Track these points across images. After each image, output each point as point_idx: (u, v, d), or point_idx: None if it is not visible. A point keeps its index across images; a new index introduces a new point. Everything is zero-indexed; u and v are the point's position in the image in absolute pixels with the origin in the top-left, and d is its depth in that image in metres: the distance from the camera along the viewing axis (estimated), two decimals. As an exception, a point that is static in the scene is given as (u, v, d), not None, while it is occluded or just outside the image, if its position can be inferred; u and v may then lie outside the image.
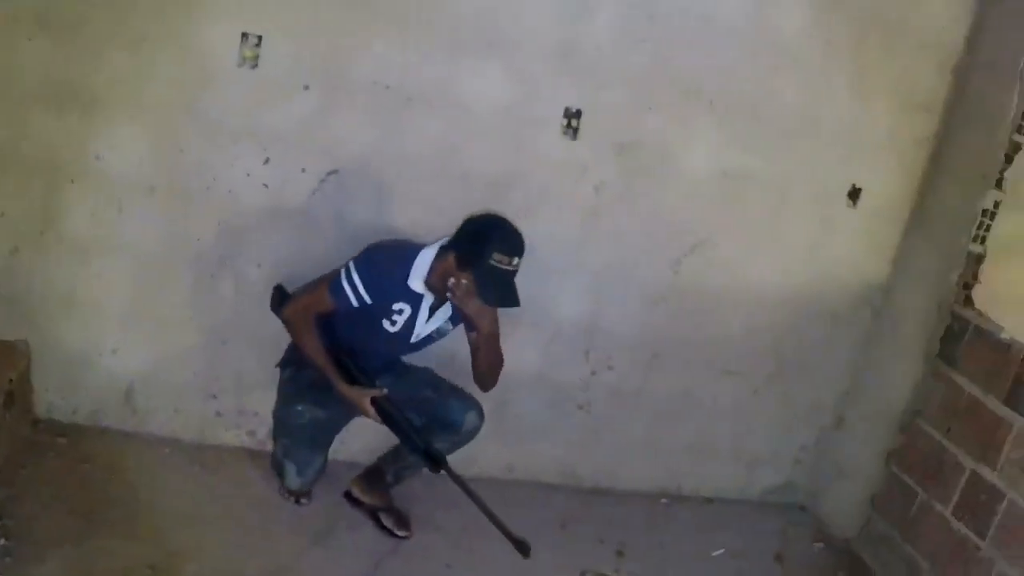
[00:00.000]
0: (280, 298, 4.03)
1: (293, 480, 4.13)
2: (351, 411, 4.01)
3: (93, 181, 4.02)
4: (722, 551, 4.63)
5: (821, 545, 4.93)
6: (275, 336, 4.08)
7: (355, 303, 3.78)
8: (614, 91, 4.28)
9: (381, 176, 4.18)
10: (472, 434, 4.10)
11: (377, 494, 4.24)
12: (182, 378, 4.39)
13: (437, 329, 4.02)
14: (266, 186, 4.12)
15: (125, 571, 3.58)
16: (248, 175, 4.10)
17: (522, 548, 3.86)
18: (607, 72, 4.25)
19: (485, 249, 3.63)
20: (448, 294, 3.75)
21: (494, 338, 3.90)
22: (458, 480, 3.92)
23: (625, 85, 4.28)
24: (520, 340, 4.52)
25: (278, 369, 4.18)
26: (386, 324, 3.89)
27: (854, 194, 4.66)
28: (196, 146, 4.04)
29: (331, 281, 3.81)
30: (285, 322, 3.95)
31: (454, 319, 4.01)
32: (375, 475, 4.20)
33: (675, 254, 4.59)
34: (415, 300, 3.86)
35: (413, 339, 3.98)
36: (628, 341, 4.70)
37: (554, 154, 4.30)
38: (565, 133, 4.27)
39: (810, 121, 4.51)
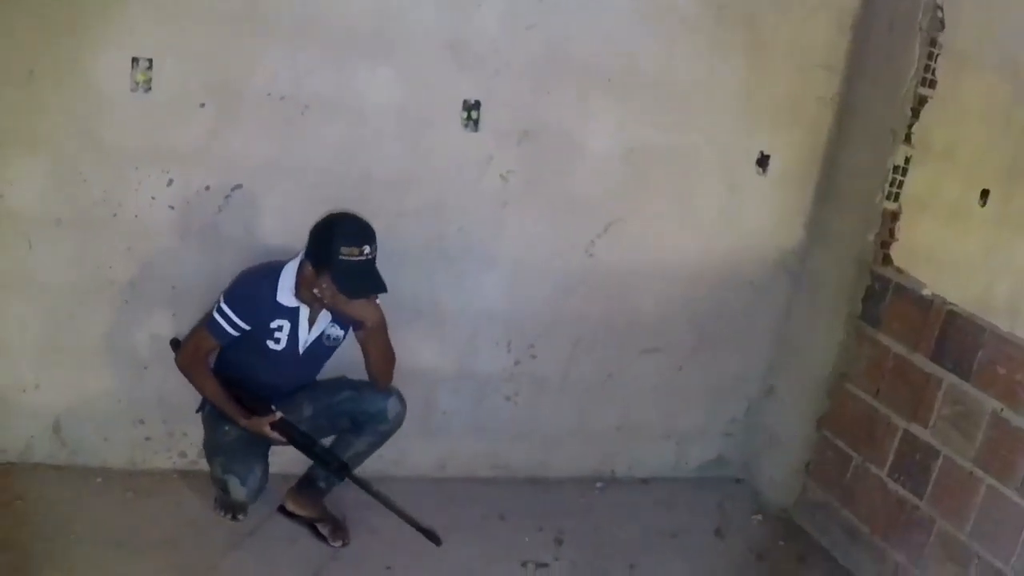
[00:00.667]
0: (177, 348, 4.08)
1: (239, 492, 4.09)
2: (260, 439, 4.04)
3: (-1, 216, 4.00)
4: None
5: (759, 517, 4.96)
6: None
7: (234, 332, 3.86)
8: (510, 79, 4.28)
9: (285, 186, 4.18)
10: (399, 420, 4.13)
11: (311, 505, 4.25)
12: (108, 406, 4.37)
13: (326, 335, 4.05)
14: (172, 208, 4.11)
15: (62, 604, 3.56)
16: (153, 198, 4.09)
17: (433, 538, 3.93)
18: (500, 61, 4.25)
19: (331, 248, 3.68)
20: (322, 300, 3.82)
21: (379, 330, 3.97)
22: (363, 484, 3.99)
23: (521, 72, 4.28)
24: (440, 336, 4.58)
25: (199, 414, 4.24)
26: (271, 344, 3.95)
27: (763, 161, 4.67)
28: (98, 174, 4.02)
29: (207, 320, 3.89)
30: (181, 371, 4.00)
31: (340, 323, 4.04)
32: (307, 485, 4.20)
33: (588, 236, 4.59)
34: (291, 314, 3.92)
35: (302, 352, 4.02)
36: (549, 328, 4.71)
37: (457, 148, 4.30)
38: (466, 125, 4.26)
39: (710, 91, 4.51)
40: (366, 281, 3.76)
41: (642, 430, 5.05)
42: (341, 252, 3.66)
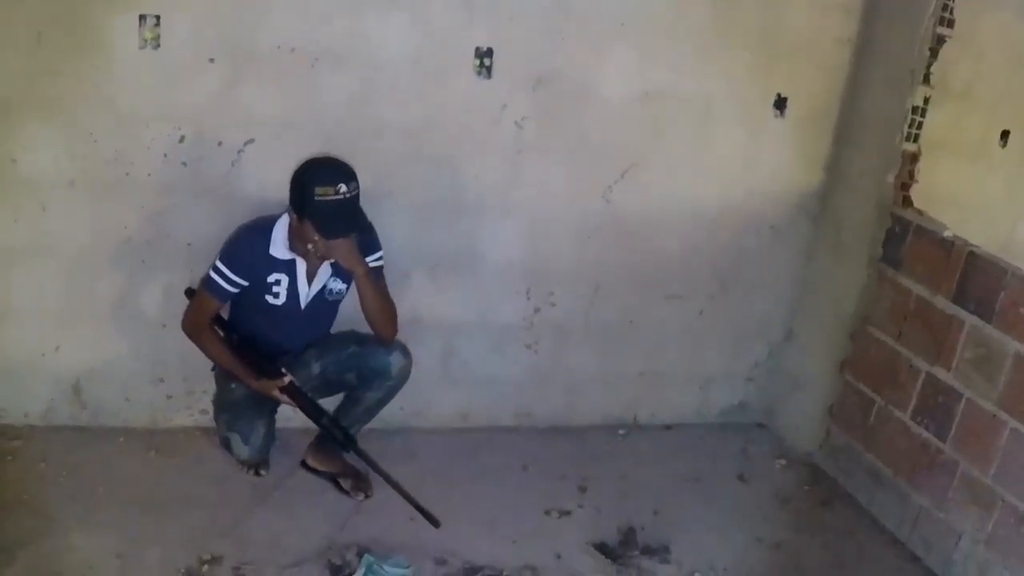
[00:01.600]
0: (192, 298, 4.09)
1: (241, 450, 4.17)
2: (268, 399, 4.06)
3: (12, 184, 4.00)
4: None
5: (783, 461, 4.94)
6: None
7: (232, 289, 3.88)
8: (523, 25, 4.23)
9: (298, 139, 4.14)
10: (404, 374, 4.11)
11: (332, 460, 4.26)
12: (128, 366, 4.39)
13: (327, 290, 4.05)
14: (185, 164, 4.10)
15: (91, 564, 3.60)
16: (165, 156, 4.08)
17: (432, 520, 3.89)
18: (513, 7, 4.21)
19: (306, 191, 3.67)
20: (315, 252, 3.82)
21: (366, 278, 3.93)
22: (367, 459, 3.98)
23: (534, 17, 4.24)
24: (459, 286, 4.56)
25: (213, 372, 4.25)
26: (270, 299, 3.95)
27: (780, 103, 4.62)
28: (110, 134, 4.01)
29: (205, 280, 3.91)
30: (187, 335, 4.02)
31: (341, 276, 4.03)
32: (327, 440, 4.19)
33: (605, 182, 4.55)
34: (287, 267, 3.91)
35: (304, 306, 4.02)
36: (568, 275, 4.69)
37: (470, 96, 4.26)
38: (479, 73, 4.23)
39: (726, 34, 4.45)
40: (342, 220, 3.72)
41: (664, 376, 5.04)
42: (316, 193, 3.64)
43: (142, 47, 3.90)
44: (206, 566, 3.65)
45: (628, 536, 4.12)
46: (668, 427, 5.11)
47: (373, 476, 4.12)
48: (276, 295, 3.95)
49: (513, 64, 4.25)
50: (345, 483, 4.22)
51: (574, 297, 4.73)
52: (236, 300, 3.95)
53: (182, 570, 3.61)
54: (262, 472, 4.25)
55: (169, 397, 4.48)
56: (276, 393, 3.95)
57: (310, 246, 3.77)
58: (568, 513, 4.27)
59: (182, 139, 4.06)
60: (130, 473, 4.18)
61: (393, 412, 4.29)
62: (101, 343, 4.34)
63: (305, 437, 4.30)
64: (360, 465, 4.16)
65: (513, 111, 4.33)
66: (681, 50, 4.41)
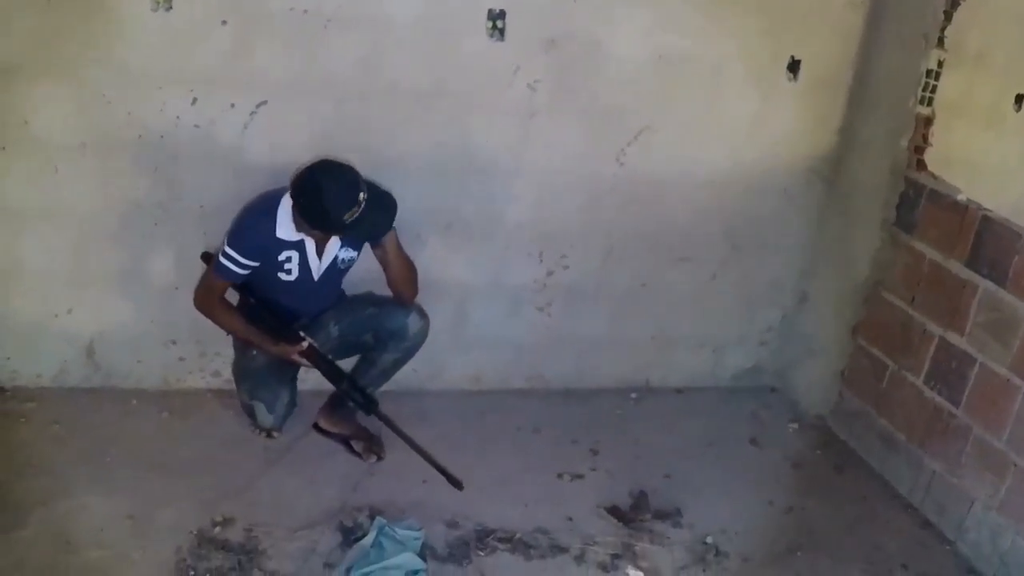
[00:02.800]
0: (208, 263, 4.06)
1: (265, 418, 4.20)
2: (288, 364, 4.09)
3: (24, 146, 4.00)
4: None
5: (795, 425, 4.95)
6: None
7: (242, 272, 3.88)
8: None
9: (310, 101, 4.14)
10: (421, 336, 4.13)
11: (344, 422, 4.28)
12: (140, 328, 4.40)
13: (339, 260, 4.05)
14: (197, 127, 4.09)
15: (103, 525, 3.62)
16: (178, 118, 4.07)
17: (455, 483, 3.92)
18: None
19: (332, 219, 3.64)
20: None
21: (395, 244, 3.97)
22: (389, 422, 4.02)
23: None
24: (472, 249, 4.57)
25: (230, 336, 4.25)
26: (283, 276, 3.96)
27: (793, 66, 4.58)
28: (122, 96, 4.00)
29: (214, 263, 3.89)
30: (200, 311, 4.03)
31: (352, 244, 4.04)
32: (340, 403, 4.20)
33: (618, 144, 4.53)
34: (296, 246, 3.91)
35: (317, 278, 4.03)
36: (580, 238, 4.68)
37: (483, 58, 4.23)
38: (491, 35, 4.19)
39: (738, -4, 4.44)
40: (376, 226, 3.79)
41: (677, 340, 5.04)
42: (345, 219, 3.62)
43: (154, 8, 3.88)
44: (218, 527, 3.68)
45: (640, 500, 4.12)
46: (680, 391, 5.11)
47: (386, 439, 4.15)
48: (288, 272, 3.95)
49: (526, 26, 4.22)
50: (357, 445, 4.23)
51: (587, 260, 4.72)
52: (249, 276, 3.95)
53: (194, 531, 3.63)
54: (275, 434, 4.27)
55: (181, 359, 4.50)
56: (296, 357, 3.97)
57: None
58: (580, 476, 4.28)
59: (194, 101, 4.05)
60: (142, 435, 4.21)
61: (406, 375, 4.29)
62: (113, 305, 4.34)
63: (317, 399, 4.32)
64: (373, 427, 4.18)
65: (526, 74, 4.30)
66: (694, 12, 4.37)
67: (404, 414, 4.23)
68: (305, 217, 3.70)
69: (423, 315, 4.11)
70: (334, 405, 4.26)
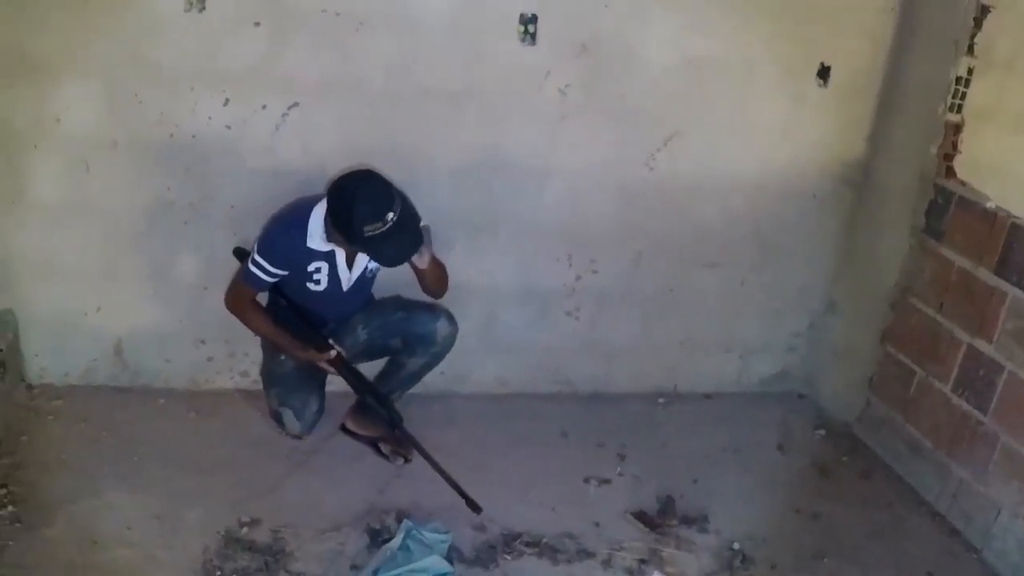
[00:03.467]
0: (241, 259, 4.07)
1: (293, 425, 4.21)
2: (317, 370, 4.08)
3: (56, 144, 4.02)
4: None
5: (822, 432, 4.93)
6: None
7: (270, 280, 3.88)
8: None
9: (342, 103, 4.15)
10: (449, 341, 4.13)
11: (371, 424, 4.26)
12: (169, 327, 4.42)
13: (368, 269, 4.05)
14: (229, 127, 4.11)
15: (130, 524, 3.63)
16: (210, 119, 4.09)
17: (474, 507, 3.85)
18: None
19: (354, 228, 3.60)
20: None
21: (433, 264, 3.96)
22: (413, 440, 3.97)
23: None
24: (501, 252, 4.57)
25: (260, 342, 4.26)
26: (311, 285, 3.96)
27: (823, 73, 4.58)
28: (154, 96, 4.02)
29: (244, 271, 3.90)
30: (230, 312, 4.03)
31: None
32: (367, 405, 4.19)
33: (648, 149, 4.53)
34: (327, 257, 3.91)
35: (346, 289, 4.03)
36: (610, 243, 4.67)
37: (514, 62, 4.24)
38: (523, 39, 4.20)
39: (770, 1, 4.41)
40: (399, 249, 3.70)
41: (705, 345, 5.03)
42: (365, 231, 3.58)
43: (187, 9, 3.90)
44: (245, 528, 3.68)
45: (667, 505, 4.11)
46: (708, 396, 5.10)
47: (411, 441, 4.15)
48: (317, 282, 3.96)
49: (557, 31, 4.23)
50: (385, 447, 4.24)
51: (615, 264, 4.72)
52: (278, 283, 3.96)
53: (221, 532, 3.64)
54: (302, 436, 4.26)
55: (210, 359, 4.51)
56: (324, 365, 3.96)
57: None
58: (607, 481, 4.27)
59: (226, 102, 4.06)
60: (170, 434, 4.22)
61: (434, 378, 4.30)
62: (143, 304, 4.37)
63: (345, 401, 4.31)
64: (401, 430, 4.17)
65: (557, 78, 4.31)
66: (724, 18, 4.37)
67: (431, 417, 4.28)
68: (332, 219, 3.70)
69: (452, 320, 4.10)
70: (362, 407, 4.26)
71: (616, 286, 4.76)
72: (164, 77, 3.99)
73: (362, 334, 4.15)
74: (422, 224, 3.77)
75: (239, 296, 3.96)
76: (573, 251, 4.65)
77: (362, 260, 3.98)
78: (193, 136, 4.10)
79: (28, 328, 4.31)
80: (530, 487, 4.14)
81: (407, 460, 4.19)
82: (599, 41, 4.29)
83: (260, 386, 4.36)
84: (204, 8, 3.91)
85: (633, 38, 4.32)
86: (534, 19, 4.17)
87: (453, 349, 4.16)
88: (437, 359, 4.14)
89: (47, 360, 4.39)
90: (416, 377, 4.19)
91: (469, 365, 4.62)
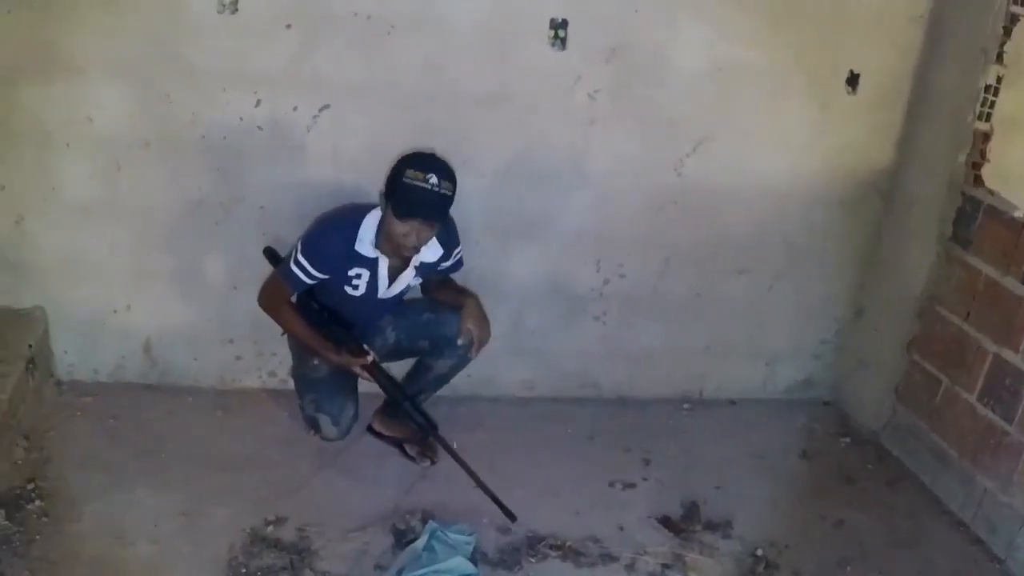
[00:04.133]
0: (271, 259, 4.11)
1: (330, 431, 4.18)
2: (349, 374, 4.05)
3: (88, 143, 4.07)
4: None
5: (847, 439, 4.90)
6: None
7: (310, 281, 3.86)
8: (598, -3, 4.23)
9: (372, 105, 4.17)
10: (461, 348, 4.08)
11: (398, 426, 4.29)
12: (198, 326, 4.47)
13: (408, 287, 4.08)
14: (260, 128, 4.14)
15: (157, 521, 3.67)
16: (241, 119, 4.12)
17: (509, 515, 3.87)
18: (589, -24, 4.20)
19: (397, 173, 3.61)
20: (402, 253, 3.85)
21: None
22: (447, 446, 3.97)
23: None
24: (529, 255, 4.57)
25: (286, 337, 4.24)
26: (348, 290, 3.94)
27: (852, 80, 4.56)
28: (186, 96, 4.06)
29: (283, 269, 3.89)
30: (264, 311, 4.02)
31: (422, 274, 4.05)
32: (394, 406, 4.20)
33: (677, 155, 4.52)
34: (370, 264, 3.89)
35: (382, 297, 4.02)
36: (638, 247, 4.67)
37: (544, 66, 4.24)
38: (553, 44, 4.20)
39: (800, 8, 4.39)
40: (422, 207, 3.62)
41: (731, 351, 5.02)
42: (406, 175, 3.58)
43: (220, 11, 3.93)
44: (271, 527, 3.71)
45: (691, 510, 4.12)
46: (733, 402, 5.10)
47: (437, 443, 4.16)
48: (355, 287, 3.94)
49: (588, 36, 4.23)
50: (411, 449, 4.26)
51: (643, 269, 4.72)
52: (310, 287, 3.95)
53: (247, 530, 3.67)
54: (340, 439, 4.27)
55: (238, 358, 4.55)
56: (357, 370, 3.94)
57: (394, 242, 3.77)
58: (632, 485, 4.28)
59: (258, 103, 4.09)
60: (197, 432, 4.26)
61: (460, 380, 4.30)
62: (172, 302, 4.41)
63: (373, 402, 4.33)
64: (428, 432, 4.18)
65: (587, 83, 4.31)
66: (754, 24, 4.36)
67: (458, 420, 4.33)
68: (386, 182, 3.69)
69: None
70: (389, 408, 4.28)
71: (643, 291, 4.76)
72: (196, 78, 4.03)
73: (391, 336, 4.16)
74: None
75: (275, 295, 3.95)
76: (601, 255, 4.66)
77: (406, 278, 3.98)
78: (224, 137, 4.13)
79: (58, 325, 4.37)
80: (555, 490, 4.15)
81: (433, 462, 4.21)
82: (629, 46, 4.29)
83: (287, 386, 4.40)
84: (237, 10, 3.94)
85: (663, 44, 4.32)
86: (564, 24, 4.18)
87: (480, 351, 4.13)
88: (463, 362, 4.13)
89: (76, 357, 4.45)
90: (444, 379, 4.20)
91: (496, 368, 4.62)
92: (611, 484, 4.27)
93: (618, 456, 4.49)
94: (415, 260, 3.90)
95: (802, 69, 4.49)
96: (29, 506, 3.64)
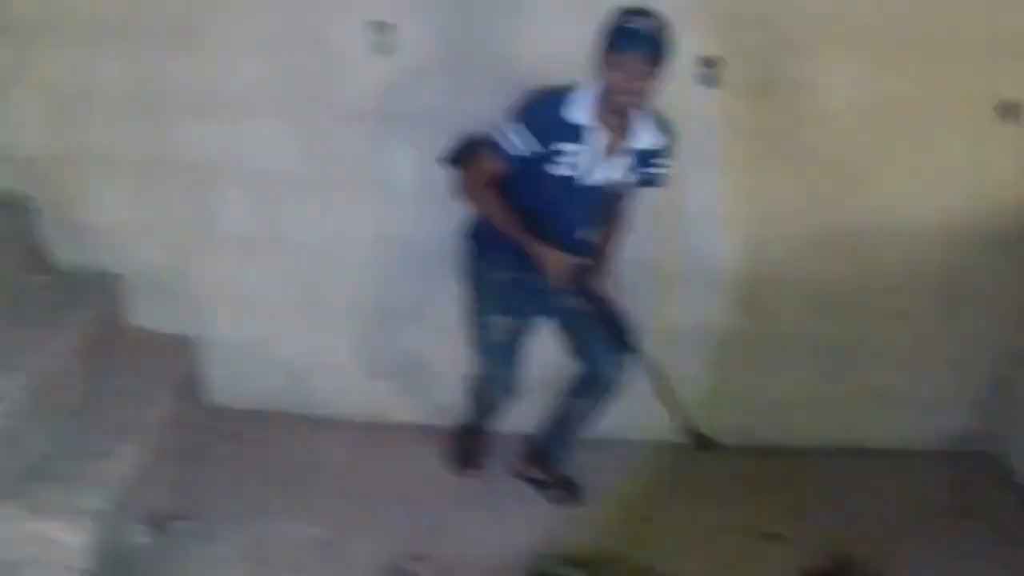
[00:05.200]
0: (453, 158, 3.86)
1: (500, 394, 4.14)
2: (545, 278, 3.68)
3: (247, 179, 4.20)
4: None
5: (1012, 495, 4.68)
6: (441, 315, 4.25)
7: (519, 151, 3.52)
8: (750, 32, 4.12)
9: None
10: (608, 388, 3.97)
11: (543, 467, 4.26)
12: (349, 359, 4.53)
13: (620, 180, 3.73)
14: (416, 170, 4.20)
15: (297, 548, 3.75)
16: (399, 161, 4.18)
17: (706, 444, 3.84)
18: (742, 12, 4.10)
19: (611, 19, 3.33)
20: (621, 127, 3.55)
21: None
22: (649, 367, 3.83)
23: (757, 26, 4.12)
24: (676, 296, 4.52)
25: (462, 240, 3.95)
26: (552, 168, 3.57)
27: (1013, 110, 4.34)
28: (344, 135, 4.15)
29: (492, 141, 3.56)
30: (463, 195, 3.73)
31: (642, 168, 3.75)
32: (539, 448, 4.20)
33: (832, 194, 4.40)
34: (584, 134, 3.52)
35: (589, 182, 3.63)
36: (791, 288, 4.57)
37: (691, 104, 4.13)
38: (701, 82, 4.12)
39: (953, 40, 4.21)
40: (639, 38, 3.30)
41: (886, 398, 4.86)
42: (619, 17, 3.31)
43: (374, 52, 3.99)
44: (412, 562, 3.73)
45: (843, 566, 4.00)
46: (888, 452, 4.92)
47: (585, 487, 4.18)
48: (560, 163, 3.57)
49: (737, 73, 4.15)
50: (555, 492, 4.24)
51: (796, 311, 4.62)
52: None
53: (388, 564, 3.70)
54: (474, 475, 4.31)
55: (388, 393, 4.61)
56: (560, 263, 3.62)
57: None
58: (783, 537, 4.17)
59: (416, 144, 4.13)
60: (342, 464, 4.32)
61: (608, 423, 4.22)
62: (325, 334, 4.49)
63: (516, 444, 4.35)
64: (572, 474, 4.21)
65: (736, 122, 4.23)
66: (909, 57, 4.22)
67: (602, 463, 4.28)
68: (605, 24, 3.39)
69: (621, 369, 3.95)
70: (534, 449, 4.26)
71: (795, 334, 4.67)
72: (355, 117, 4.11)
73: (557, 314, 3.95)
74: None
75: (479, 171, 3.63)
76: (753, 295, 4.57)
77: (618, 163, 3.65)
78: (384, 177, 4.22)
79: (211, 352, 4.48)
80: (702, 539, 4.09)
81: (576, 507, 4.18)
82: (779, 84, 4.21)
83: (436, 422, 4.47)
84: (393, 51, 3.99)
85: (815, 80, 4.22)
86: (714, 62, 4.10)
87: (627, 393, 4.07)
88: (606, 401, 4.02)
89: (227, 383, 4.55)
90: (585, 416, 4.08)
91: (645, 411, 4.55)
92: (761, 535, 4.18)
93: (769, 506, 4.40)
94: (633, 140, 3.61)
95: (958, 102, 4.32)
96: (174, 528, 3.73)
